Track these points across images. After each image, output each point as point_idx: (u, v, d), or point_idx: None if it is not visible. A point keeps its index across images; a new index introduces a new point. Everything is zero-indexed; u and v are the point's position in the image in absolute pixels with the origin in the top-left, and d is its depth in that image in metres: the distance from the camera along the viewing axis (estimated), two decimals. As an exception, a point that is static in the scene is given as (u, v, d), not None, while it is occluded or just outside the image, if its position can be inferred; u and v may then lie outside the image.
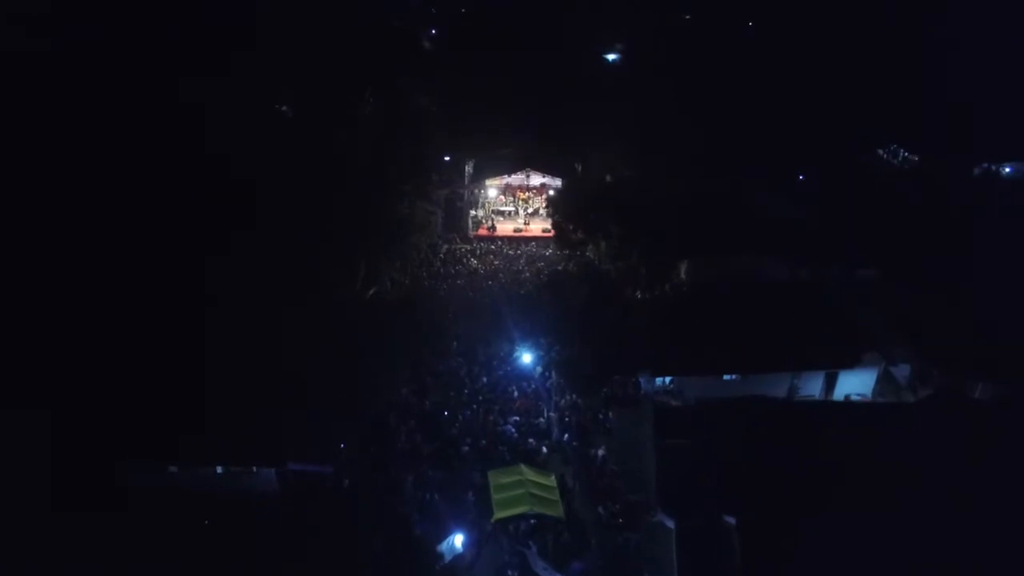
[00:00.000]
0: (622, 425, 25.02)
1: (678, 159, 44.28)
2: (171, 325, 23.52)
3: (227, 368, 22.22)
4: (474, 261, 39.53)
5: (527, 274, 37.63)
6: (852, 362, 28.09)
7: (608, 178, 48.64)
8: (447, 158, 48.41)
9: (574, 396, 26.37)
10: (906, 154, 56.36)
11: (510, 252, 41.34)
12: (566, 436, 24.45)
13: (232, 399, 21.56)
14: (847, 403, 26.73)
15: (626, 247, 32.71)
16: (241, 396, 21.63)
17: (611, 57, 71.77)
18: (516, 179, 47.15)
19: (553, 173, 46.68)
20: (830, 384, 28.99)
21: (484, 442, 23.87)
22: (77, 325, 23.30)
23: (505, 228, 44.52)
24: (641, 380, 26.89)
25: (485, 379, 27.39)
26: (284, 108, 50.11)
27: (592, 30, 68.61)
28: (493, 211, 46.06)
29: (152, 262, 26.89)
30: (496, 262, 39.54)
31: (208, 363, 22.18)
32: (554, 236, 38.35)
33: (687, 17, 77.53)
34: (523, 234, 43.66)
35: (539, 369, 27.12)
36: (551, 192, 46.12)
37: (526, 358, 26.15)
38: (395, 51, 57.62)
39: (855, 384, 28.94)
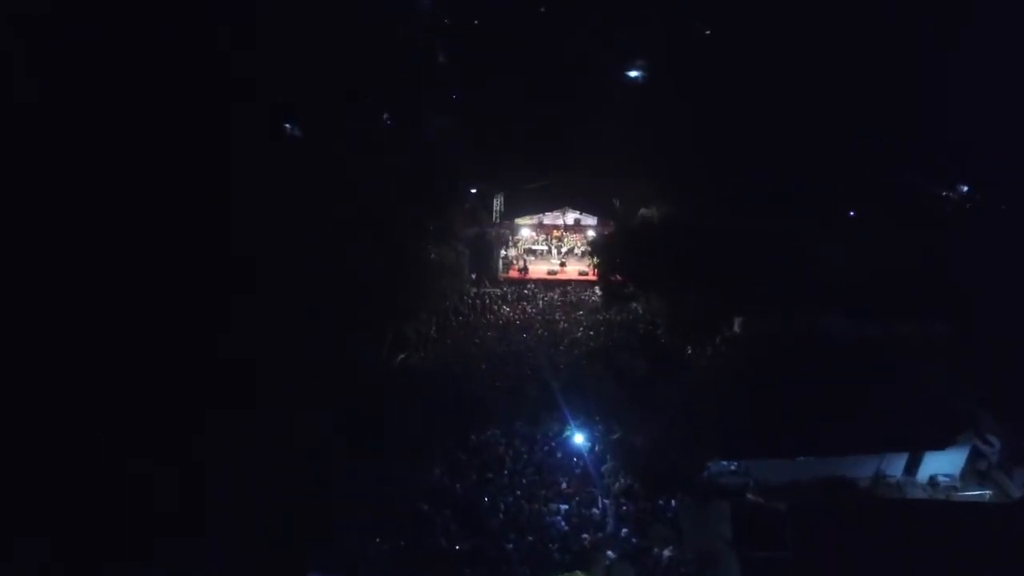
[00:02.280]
0: (687, 516, 22.41)
1: (721, 192, 42.05)
2: (158, 409, 20.79)
3: (230, 459, 19.74)
4: (506, 308, 37.07)
5: (564, 324, 35.10)
6: (945, 443, 25.49)
7: (643, 211, 46.47)
8: (473, 190, 46.34)
9: (628, 480, 23.72)
10: (965, 188, 53.89)
11: (544, 299, 38.78)
12: (624, 531, 21.72)
13: (237, 496, 19.07)
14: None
15: (679, 301, 30.30)
16: (248, 493, 19.13)
17: (634, 74, 69.59)
18: (549, 217, 44.82)
19: (589, 210, 44.38)
20: (913, 461, 26.42)
21: (531, 537, 21.22)
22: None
23: (538, 269, 42.03)
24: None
25: (526, 455, 24.79)
26: (289, 127, 48.22)
27: (611, 44, 66.70)
28: (525, 250, 43.64)
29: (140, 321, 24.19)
30: (530, 310, 37.06)
31: (208, 453, 19.60)
32: (600, 287, 35.89)
33: (707, 32, 75.30)
34: (558, 277, 41.14)
35: (588, 445, 24.53)
36: (590, 232, 43.79)
37: (578, 439, 23.57)
38: (409, 63, 55.89)
39: (942, 463, 26.38)
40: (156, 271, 25.07)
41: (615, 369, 24.80)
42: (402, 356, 28.21)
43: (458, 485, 22.81)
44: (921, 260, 36.79)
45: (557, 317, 36.23)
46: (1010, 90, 50.14)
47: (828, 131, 47.80)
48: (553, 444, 25.20)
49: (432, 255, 36.80)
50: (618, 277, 33.13)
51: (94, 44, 33.25)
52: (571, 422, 24.12)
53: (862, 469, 25.86)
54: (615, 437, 23.17)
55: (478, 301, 37.69)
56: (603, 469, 23.50)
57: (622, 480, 23.70)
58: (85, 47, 32.91)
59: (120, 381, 21.67)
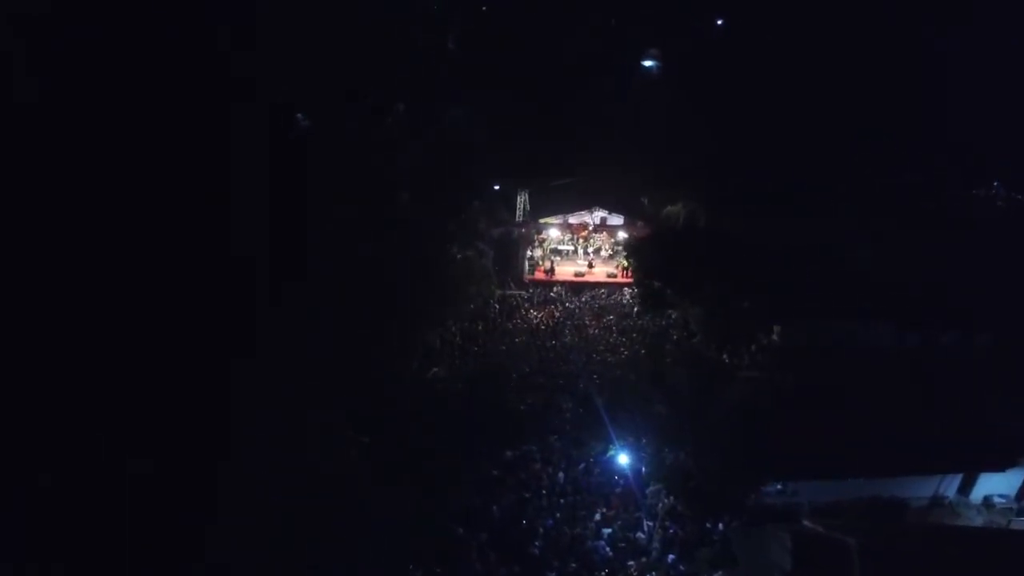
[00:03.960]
0: (739, 541, 21.43)
1: (752, 193, 40.83)
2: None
3: (245, 478, 18.86)
4: (533, 312, 36.01)
5: (595, 330, 34.03)
6: (1005, 464, 24.46)
7: (669, 208, 45.40)
8: (496, 187, 45.17)
9: (672, 499, 22.73)
10: (998, 188, 52.33)
11: (571, 303, 37.65)
12: (671, 557, 20.76)
13: (256, 517, 18.19)
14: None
15: (717, 307, 29.25)
16: (268, 516, 18.23)
17: (656, 71, 67.95)
18: (575, 216, 43.58)
19: (617, 209, 43.13)
20: (967, 481, 25.41)
21: (574, 564, 20.30)
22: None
23: (564, 271, 40.87)
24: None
25: (562, 475, 23.83)
26: (300, 116, 47.01)
27: (631, 39, 65.06)
28: (551, 251, 42.46)
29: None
30: (558, 314, 35.98)
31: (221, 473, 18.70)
32: (638, 293, 34.69)
33: (719, 22, 73.16)
34: (586, 279, 39.95)
35: (634, 465, 23.53)
36: (620, 234, 42.59)
37: (622, 459, 22.58)
38: (419, 52, 54.37)
39: (998, 483, 25.44)
40: (159, 273, 24.23)
41: (656, 381, 23.71)
42: (435, 370, 27.14)
43: (495, 507, 21.82)
44: (961, 264, 35.61)
45: (587, 322, 35.14)
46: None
47: (857, 132, 46.41)
48: (591, 461, 24.27)
49: (457, 255, 35.86)
50: (656, 283, 31.99)
51: (93, 44, 32.48)
52: (615, 441, 23.06)
53: (913, 489, 24.87)
54: (664, 458, 22.03)
55: (503, 305, 36.58)
56: (648, 491, 22.49)
57: (666, 500, 22.75)
58: (85, 47, 32.14)
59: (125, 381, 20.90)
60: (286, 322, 24.64)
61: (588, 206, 42.60)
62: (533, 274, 40.25)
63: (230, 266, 25.47)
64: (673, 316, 33.33)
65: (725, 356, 30.73)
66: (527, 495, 22.72)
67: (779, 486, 24.07)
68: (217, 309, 23.69)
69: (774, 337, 32.93)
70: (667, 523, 22.00)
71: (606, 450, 23.44)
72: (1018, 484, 25.43)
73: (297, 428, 21.64)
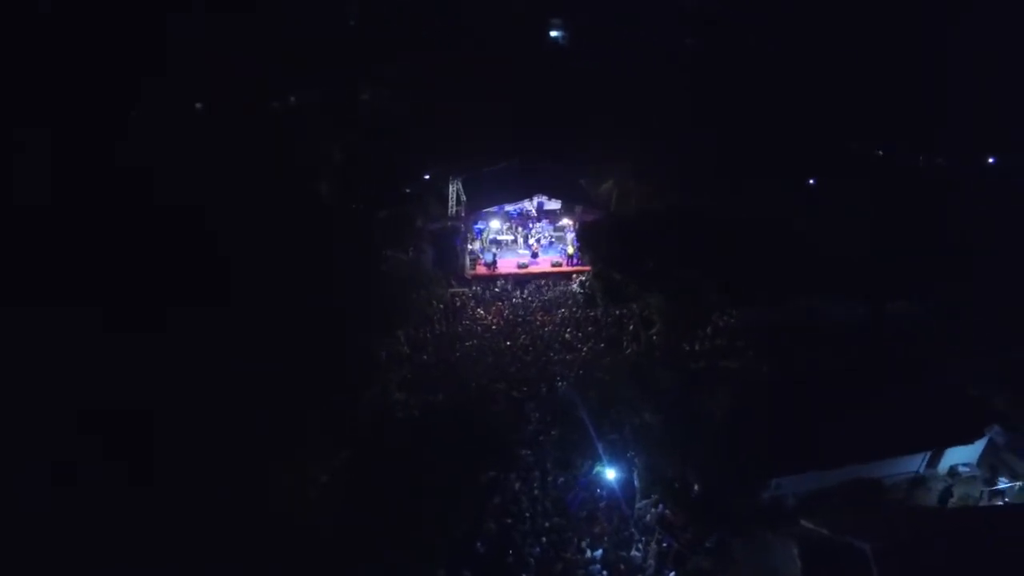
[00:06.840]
0: (734, 547, 20.90)
1: (695, 171, 40.53)
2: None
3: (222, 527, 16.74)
4: (481, 311, 34.24)
5: (549, 327, 32.71)
6: (972, 435, 25.31)
7: (604, 186, 44.81)
8: (427, 176, 42.85)
9: (661, 508, 21.90)
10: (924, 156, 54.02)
11: (518, 297, 36.10)
12: (672, 573, 19.94)
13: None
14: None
15: (682, 296, 28.66)
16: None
17: (554, 34, 66.18)
18: (514, 204, 41.82)
19: (555, 194, 41.76)
20: (935, 454, 26.14)
21: (572, 592, 19.16)
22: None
23: (507, 262, 39.15)
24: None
25: (542, 494, 22.47)
26: (199, 105, 43.11)
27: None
28: (491, 241, 40.58)
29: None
30: (506, 311, 34.35)
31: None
32: (598, 288, 33.45)
33: None
34: (530, 271, 38.44)
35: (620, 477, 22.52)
36: (565, 220, 41.27)
37: (610, 475, 21.46)
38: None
39: (962, 454, 26.31)
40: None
41: (640, 385, 22.74)
42: (396, 395, 24.88)
43: (479, 543, 20.20)
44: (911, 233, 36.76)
45: (538, 318, 33.75)
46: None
47: (798, 100, 46.85)
48: (571, 476, 23.05)
49: (388, 254, 33.68)
50: (616, 274, 30.96)
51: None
52: (602, 457, 21.90)
53: (888, 468, 25.27)
54: (658, 470, 21.06)
55: (448, 305, 34.54)
56: (637, 505, 21.50)
57: (654, 511, 21.89)
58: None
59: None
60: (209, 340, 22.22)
61: (526, 192, 40.89)
62: (475, 269, 38.31)
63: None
64: (632, 306, 32.44)
65: (686, 345, 30.29)
66: (509, 520, 21.26)
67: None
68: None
69: (731, 320, 32.97)
70: (660, 536, 21.15)
71: (592, 467, 22.23)
72: (979, 452, 26.39)
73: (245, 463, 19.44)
